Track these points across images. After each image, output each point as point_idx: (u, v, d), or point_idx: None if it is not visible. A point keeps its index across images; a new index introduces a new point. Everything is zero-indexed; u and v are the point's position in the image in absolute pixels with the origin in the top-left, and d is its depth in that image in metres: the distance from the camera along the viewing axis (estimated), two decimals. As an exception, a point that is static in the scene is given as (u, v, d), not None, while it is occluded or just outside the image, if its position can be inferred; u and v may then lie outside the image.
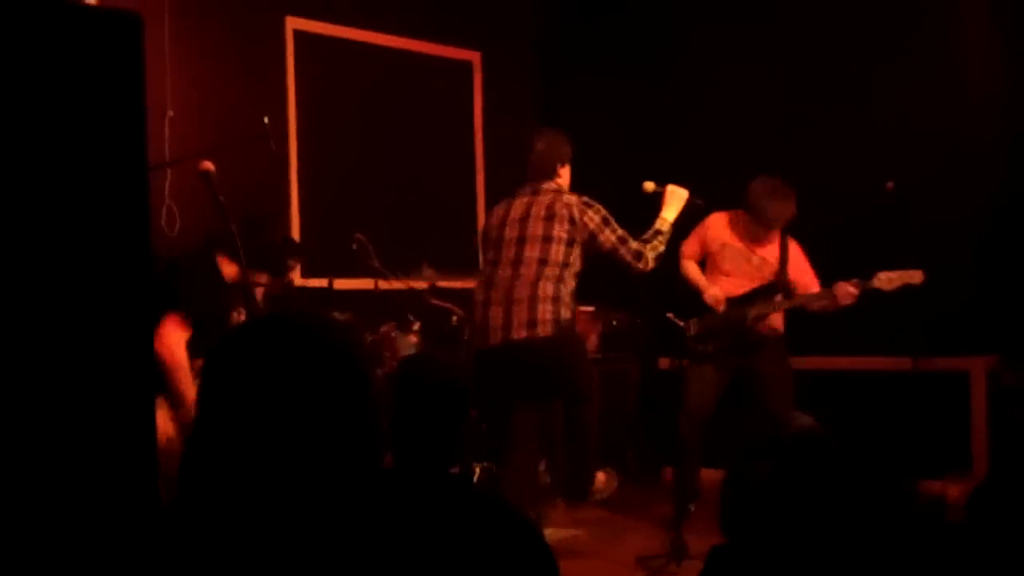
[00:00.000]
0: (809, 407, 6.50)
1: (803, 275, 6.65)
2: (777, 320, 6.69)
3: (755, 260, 6.64)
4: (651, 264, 5.85)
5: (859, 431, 6.42)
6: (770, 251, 6.63)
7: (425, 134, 8.43)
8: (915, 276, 6.31)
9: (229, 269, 5.13)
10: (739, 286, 6.64)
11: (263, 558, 1.65)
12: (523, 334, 5.67)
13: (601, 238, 5.82)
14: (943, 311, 7.09)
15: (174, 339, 4.69)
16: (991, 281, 7.16)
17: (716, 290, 6.62)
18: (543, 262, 5.78)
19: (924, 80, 7.55)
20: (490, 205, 8.84)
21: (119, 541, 1.75)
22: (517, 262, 5.83)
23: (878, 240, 7.05)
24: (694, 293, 6.71)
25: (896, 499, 2.04)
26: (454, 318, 7.17)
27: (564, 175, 6.08)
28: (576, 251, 5.82)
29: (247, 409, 1.70)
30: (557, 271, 5.76)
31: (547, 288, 5.73)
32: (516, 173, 8.93)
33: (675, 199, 6.05)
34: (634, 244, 5.84)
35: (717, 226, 6.78)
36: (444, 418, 3.60)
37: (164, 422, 4.70)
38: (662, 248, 5.91)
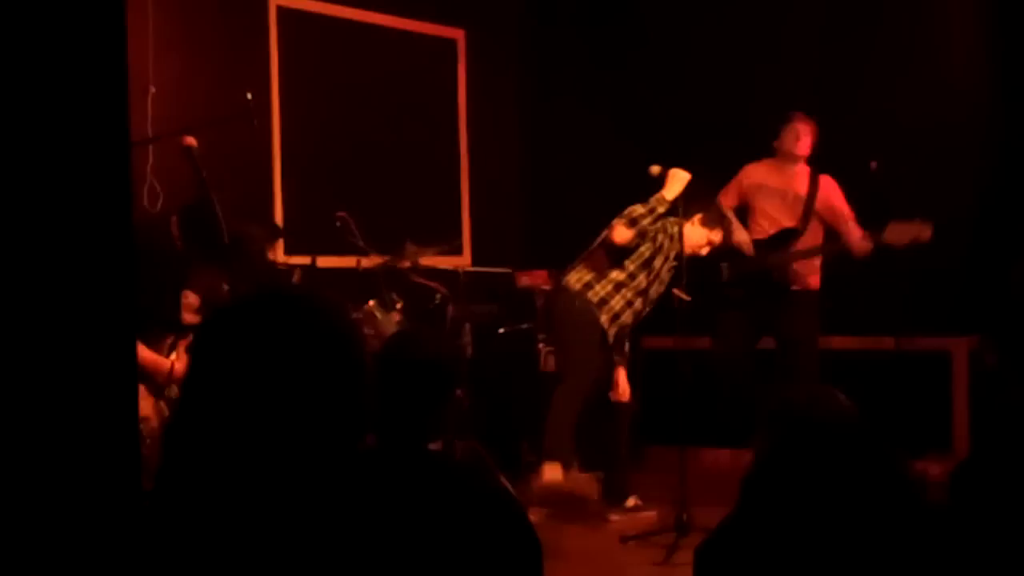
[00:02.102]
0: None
1: (833, 215, 6.78)
2: (811, 275, 6.81)
3: (789, 197, 6.83)
4: (615, 232, 6.33)
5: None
6: (801, 184, 6.81)
7: (409, 112, 8.40)
8: (924, 231, 6.40)
9: (178, 238, 5.09)
10: (775, 224, 6.85)
11: (243, 535, 1.65)
12: None
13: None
14: (925, 291, 7.12)
15: None
16: (974, 261, 7.18)
17: (743, 234, 6.77)
18: None
19: (908, 70, 7.57)
20: (474, 183, 8.84)
21: (100, 515, 1.75)
22: None
23: (863, 222, 7.06)
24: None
25: (898, 482, 2.05)
26: (437, 296, 7.17)
27: None
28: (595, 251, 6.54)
29: (233, 383, 1.70)
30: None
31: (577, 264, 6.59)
32: (500, 150, 8.95)
33: (676, 181, 6.26)
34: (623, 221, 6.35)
35: (751, 171, 7.03)
36: (425, 396, 3.60)
37: (148, 411, 4.69)
38: (636, 216, 6.26)
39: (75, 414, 1.82)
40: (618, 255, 6.41)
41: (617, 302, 6.42)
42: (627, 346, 6.72)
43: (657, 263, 6.42)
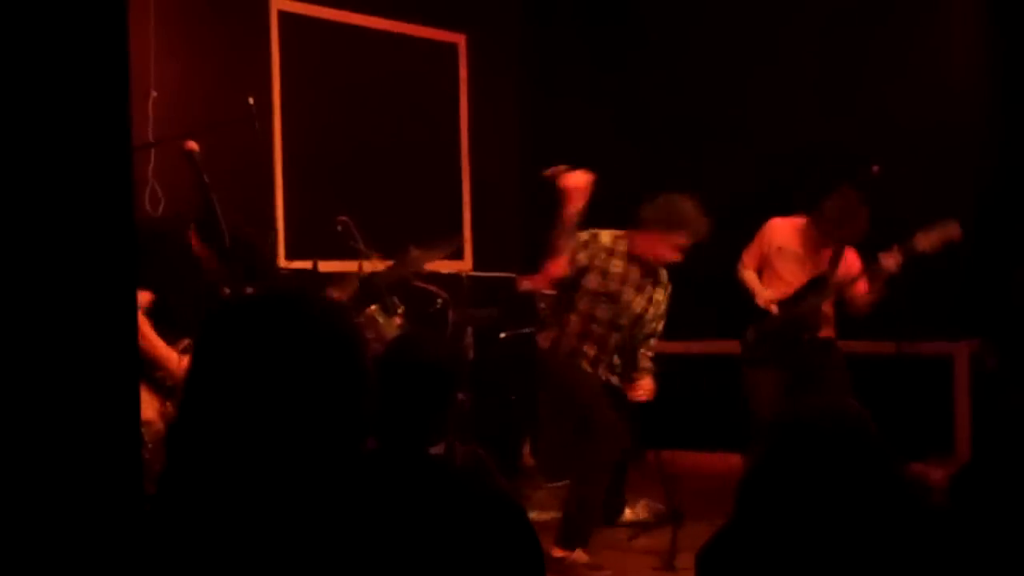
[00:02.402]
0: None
1: (847, 281, 6.59)
2: (828, 325, 6.72)
3: (809, 267, 6.62)
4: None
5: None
6: (825, 257, 6.59)
7: (410, 116, 8.40)
8: (952, 231, 6.31)
9: (198, 247, 5.11)
10: (794, 288, 6.63)
11: (244, 538, 1.65)
12: None
13: None
14: (927, 295, 7.11)
15: None
16: (975, 265, 7.18)
17: (769, 293, 6.63)
18: None
19: (908, 73, 7.58)
20: (474, 187, 8.85)
21: (101, 518, 1.75)
22: None
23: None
24: (746, 299, 6.73)
25: (883, 481, 2.05)
26: (439, 301, 7.17)
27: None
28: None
29: (236, 384, 1.70)
30: None
31: None
32: (501, 154, 8.95)
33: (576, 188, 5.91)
34: None
35: (775, 230, 6.75)
36: (427, 399, 3.60)
37: (152, 414, 4.69)
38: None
39: (75, 418, 1.82)
40: (569, 295, 6.11)
41: (589, 348, 6.12)
42: (647, 356, 6.34)
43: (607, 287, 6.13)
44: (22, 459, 1.77)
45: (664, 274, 6.18)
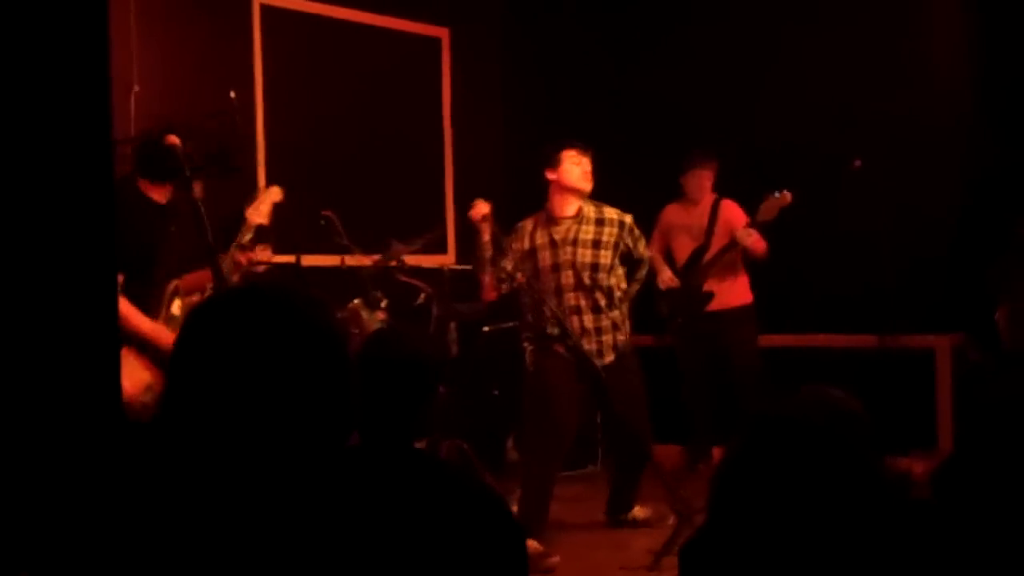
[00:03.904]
0: (775, 384, 6.55)
1: (734, 231, 7.15)
2: (739, 291, 7.23)
3: (692, 230, 7.41)
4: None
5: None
6: (702, 216, 7.36)
7: (393, 110, 8.39)
8: (784, 197, 6.86)
9: (158, 194, 5.03)
10: (685, 256, 7.48)
11: (227, 532, 1.65)
12: None
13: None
14: (909, 289, 7.14)
15: None
16: (957, 259, 7.20)
17: (665, 272, 7.45)
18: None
19: (892, 71, 7.60)
20: (458, 180, 8.84)
21: (84, 507, 1.75)
22: None
23: (846, 219, 7.08)
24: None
25: (864, 478, 2.05)
26: (422, 295, 7.16)
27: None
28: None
29: (217, 379, 1.69)
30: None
31: None
32: (484, 148, 8.94)
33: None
34: None
35: (665, 213, 7.64)
36: (408, 394, 3.60)
37: (140, 371, 4.65)
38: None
39: (58, 411, 1.81)
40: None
41: (551, 328, 6.05)
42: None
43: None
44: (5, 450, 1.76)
45: (609, 211, 6.18)
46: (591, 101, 8.66)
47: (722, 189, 7.43)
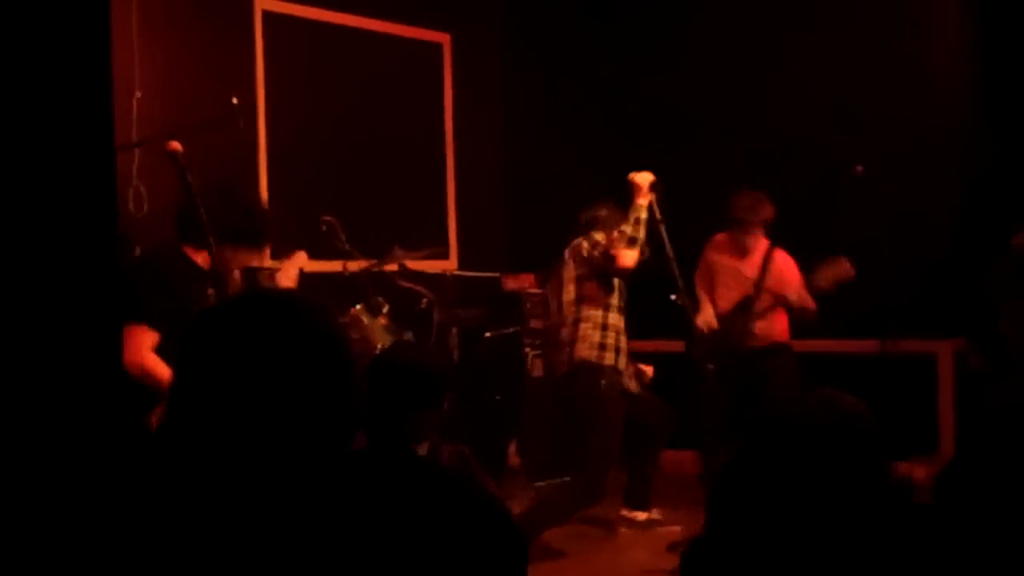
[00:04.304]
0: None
1: (784, 287, 6.78)
2: (778, 330, 6.90)
3: (742, 278, 6.86)
4: (623, 259, 5.96)
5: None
6: (753, 265, 6.82)
7: (395, 116, 8.39)
8: (844, 269, 6.55)
9: (201, 258, 4.99)
10: (730, 302, 6.90)
11: (232, 535, 1.65)
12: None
13: (589, 258, 6.10)
14: (910, 294, 7.14)
15: (135, 348, 4.49)
16: (958, 264, 7.20)
17: (706, 315, 6.90)
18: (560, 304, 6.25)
19: (893, 75, 7.59)
20: (460, 187, 8.85)
21: (92, 517, 1.75)
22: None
23: (847, 224, 7.08)
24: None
25: (867, 482, 2.05)
26: (424, 300, 7.17)
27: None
28: (591, 284, 6.13)
29: (221, 385, 1.70)
30: (574, 310, 6.15)
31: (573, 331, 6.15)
32: (486, 154, 8.95)
33: (640, 186, 6.07)
34: (602, 246, 6.06)
35: (711, 248, 7.08)
36: (414, 400, 3.62)
37: None
38: (632, 234, 5.97)
39: (57, 422, 1.81)
40: (610, 285, 6.14)
41: (623, 340, 6.15)
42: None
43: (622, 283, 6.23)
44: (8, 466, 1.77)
45: (573, 251, 6.23)
46: (592, 105, 8.67)
47: (722, 192, 7.34)
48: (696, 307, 6.83)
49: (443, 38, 8.77)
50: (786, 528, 2.02)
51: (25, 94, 1.83)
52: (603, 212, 6.19)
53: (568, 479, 6.19)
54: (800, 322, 6.85)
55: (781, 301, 6.75)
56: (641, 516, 6.41)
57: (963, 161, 7.37)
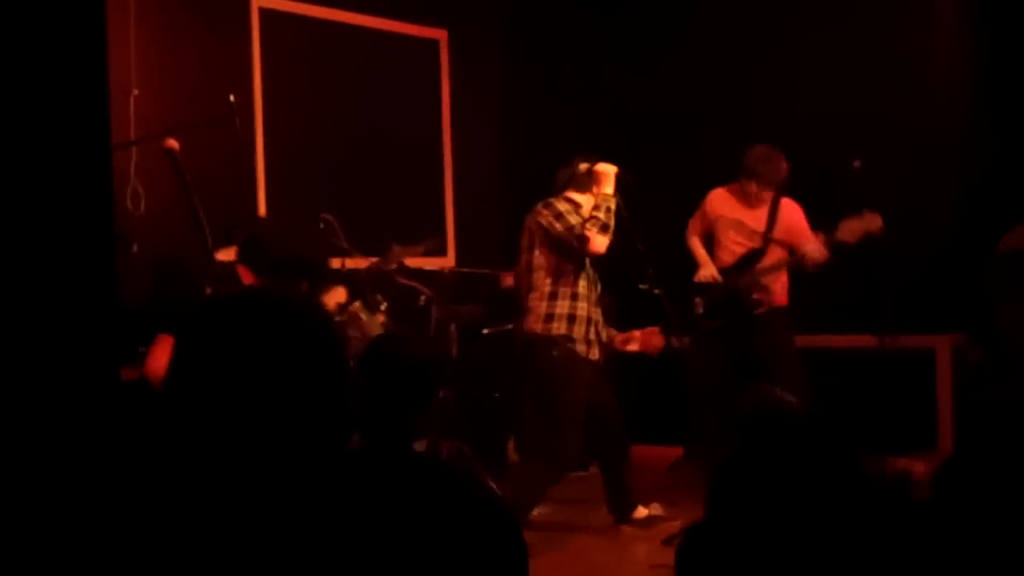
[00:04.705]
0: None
1: (795, 236, 6.80)
2: (779, 293, 6.88)
3: (746, 230, 6.85)
4: (595, 243, 5.95)
5: (825, 408, 6.46)
6: (760, 217, 6.82)
7: (392, 113, 8.39)
8: (874, 222, 6.49)
9: (248, 279, 4.96)
10: (735, 255, 6.89)
11: (229, 535, 1.65)
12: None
13: (552, 232, 6.02)
14: (909, 289, 7.14)
15: (157, 359, 4.47)
16: (956, 259, 7.20)
17: (709, 267, 6.91)
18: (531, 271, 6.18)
19: (890, 68, 7.60)
20: (457, 184, 8.84)
21: (87, 521, 1.75)
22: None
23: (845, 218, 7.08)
24: (696, 267, 6.98)
25: (852, 474, 2.05)
26: (422, 298, 7.16)
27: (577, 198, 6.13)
28: (543, 253, 6.09)
29: (216, 383, 1.69)
30: (541, 276, 6.11)
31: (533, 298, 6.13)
32: (483, 150, 8.94)
33: (606, 176, 6.08)
34: (577, 230, 5.97)
35: (714, 200, 7.02)
36: (409, 397, 3.60)
37: None
38: (604, 220, 5.96)
39: (51, 419, 1.81)
40: (573, 265, 6.07)
41: (591, 310, 6.07)
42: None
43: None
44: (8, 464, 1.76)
45: (530, 222, 6.21)
46: (590, 102, 8.67)
47: (724, 174, 7.28)
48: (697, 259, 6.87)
49: (440, 34, 8.76)
50: (782, 523, 2.02)
51: (21, 92, 1.83)
52: (582, 167, 6.15)
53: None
54: (805, 275, 6.83)
55: (793, 257, 6.71)
56: (642, 512, 6.36)
57: (961, 158, 7.37)
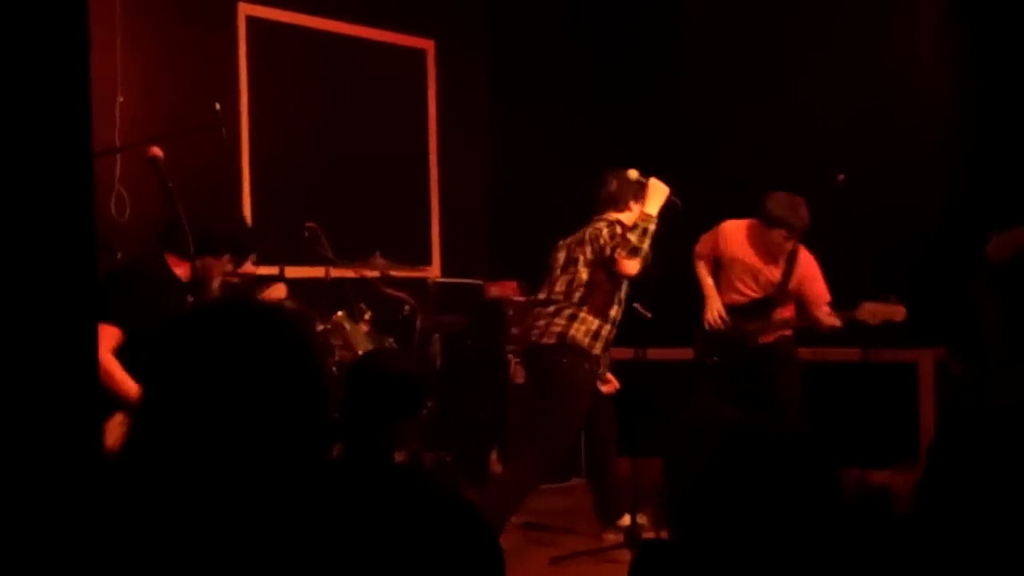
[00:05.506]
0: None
1: (807, 288, 6.69)
2: (786, 329, 6.82)
3: (762, 280, 6.72)
4: (623, 266, 5.91)
5: (808, 421, 6.47)
6: (776, 268, 6.69)
7: (378, 122, 8.39)
8: (897, 313, 6.40)
9: (182, 269, 5.02)
10: (747, 298, 6.76)
11: (207, 547, 1.64)
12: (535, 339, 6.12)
13: (606, 250, 5.98)
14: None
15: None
16: (940, 273, 7.21)
17: (716, 307, 6.76)
18: (569, 283, 6.11)
19: (872, 74, 7.62)
20: (443, 194, 8.85)
21: (64, 533, 1.74)
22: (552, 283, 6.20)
23: (829, 232, 7.09)
24: (700, 296, 6.84)
25: (821, 487, 2.05)
26: (406, 307, 7.15)
27: (635, 209, 6.06)
28: (587, 269, 6.04)
29: (192, 395, 1.69)
30: (580, 292, 6.05)
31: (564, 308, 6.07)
32: (469, 160, 8.95)
33: (657, 193, 6.00)
34: (607, 251, 5.95)
35: (731, 236, 6.83)
36: (392, 409, 3.61)
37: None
38: (636, 243, 5.89)
39: (35, 429, 1.79)
40: (617, 288, 6.05)
41: (611, 333, 6.10)
42: None
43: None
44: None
45: (592, 234, 6.12)
46: (576, 112, 8.68)
47: (709, 205, 7.29)
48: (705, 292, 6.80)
49: (427, 44, 8.76)
50: (752, 539, 2.01)
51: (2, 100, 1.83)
52: (612, 186, 6.12)
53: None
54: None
55: (808, 322, 6.62)
56: (626, 521, 6.34)
57: (945, 170, 7.39)
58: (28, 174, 1.78)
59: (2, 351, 1.73)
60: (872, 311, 6.42)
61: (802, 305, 6.72)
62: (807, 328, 6.68)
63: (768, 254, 6.68)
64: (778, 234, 6.56)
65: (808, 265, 6.73)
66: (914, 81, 7.61)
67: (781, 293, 6.69)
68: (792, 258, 6.68)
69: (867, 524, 2.15)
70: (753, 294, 6.75)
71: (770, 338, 6.74)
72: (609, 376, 6.29)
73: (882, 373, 7.10)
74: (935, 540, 2.17)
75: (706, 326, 6.76)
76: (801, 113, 7.68)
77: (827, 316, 6.53)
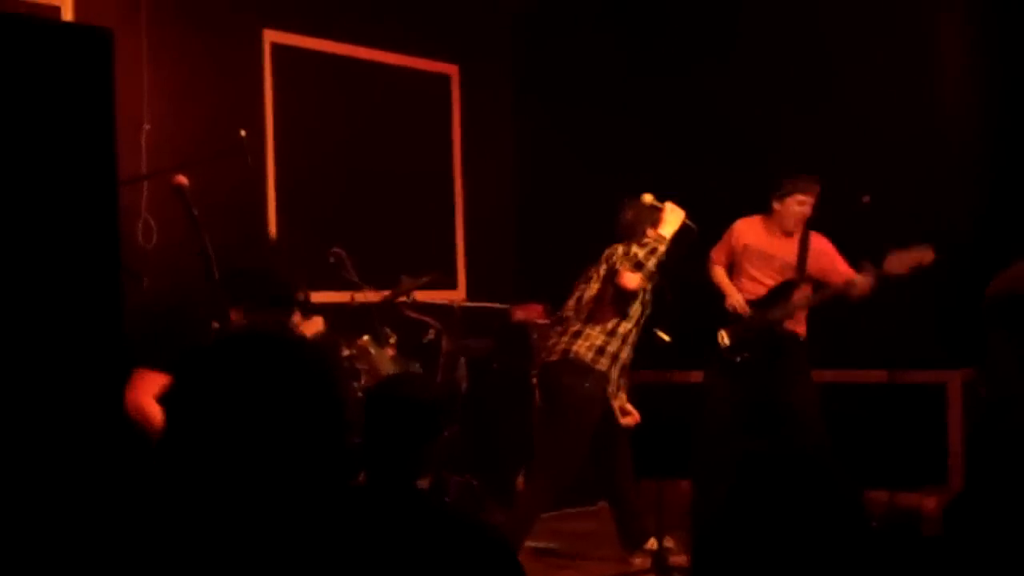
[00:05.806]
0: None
1: (825, 267, 6.73)
2: (799, 325, 6.81)
3: (777, 262, 6.76)
4: (624, 279, 5.93)
5: (836, 444, 6.43)
6: (791, 250, 6.73)
7: (403, 148, 8.41)
8: (926, 255, 6.38)
9: (238, 317, 4.97)
10: (762, 288, 6.78)
11: (231, 571, 1.64)
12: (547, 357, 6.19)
13: (616, 266, 6.03)
14: (919, 323, 7.11)
15: (139, 390, 4.42)
16: (968, 293, 7.17)
17: (738, 297, 6.77)
18: (579, 300, 6.21)
19: (899, 92, 7.59)
20: (468, 218, 8.86)
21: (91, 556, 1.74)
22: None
23: (855, 251, 7.07)
24: (720, 298, 6.85)
25: (844, 510, 2.03)
26: (432, 331, 7.16)
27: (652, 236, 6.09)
28: (604, 286, 6.10)
29: (214, 424, 1.69)
30: (588, 308, 6.13)
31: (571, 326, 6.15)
32: (494, 185, 8.96)
33: (672, 217, 6.04)
34: (617, 266, 6.00)
35: (741, 229, 6.92)
36: (413, 436, 3.60)
37: None
38: (643, 258, 5.92)
39: (62, 453, 1.80)
40: (624, 303, 6.05)
41: (625, 352, 6.10)
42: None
43: (646, 297, 6.15)
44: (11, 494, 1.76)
45: (608, 253, 6.17)
46: (601, 135, 8.67)
47: (735, 212, 7.25)
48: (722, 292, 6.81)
49: (451, 69, 8.79)
50: (776, 566, 2.00)
51: (30, 130, 1.84)
52: (628, 215, 6.14)
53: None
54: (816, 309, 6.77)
55: (839, 288, 6.61)
56: (652, 544, 6.31)
57: (973, 191, 7.35)
58: (55, 203, 1.80)
59: (31, 371, 1.74)
60: (900, 260, 6.41)
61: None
62: (839, 298, 6.64)
63: (784, 232, 6.73)
64: (792, 201, 6.66)
65: (821, 241, 6.78)
66: (944, 104, 7.58)
67: (801, 273, 6.69)
68: (804, 239, 6.73)
69: (895, 546, 2.14)
70: (771, 281, 6.79)
71: (786, 330, 6.71)
72: (629, 407, 6.25)
73: (910, 394, 7.06)
74: (965, 563, 2.16)
75: (728, 308, 6.74)
76: (836, 125, 7.63)
77: (859, 280, 6.52)
